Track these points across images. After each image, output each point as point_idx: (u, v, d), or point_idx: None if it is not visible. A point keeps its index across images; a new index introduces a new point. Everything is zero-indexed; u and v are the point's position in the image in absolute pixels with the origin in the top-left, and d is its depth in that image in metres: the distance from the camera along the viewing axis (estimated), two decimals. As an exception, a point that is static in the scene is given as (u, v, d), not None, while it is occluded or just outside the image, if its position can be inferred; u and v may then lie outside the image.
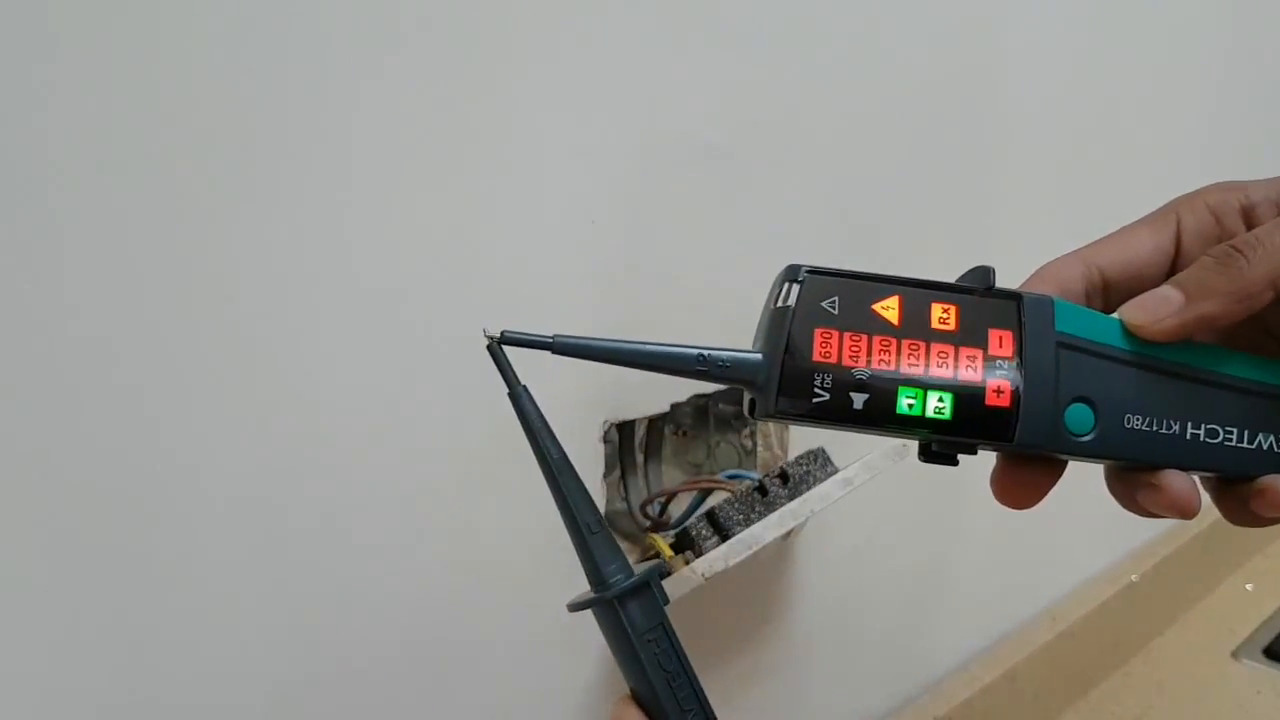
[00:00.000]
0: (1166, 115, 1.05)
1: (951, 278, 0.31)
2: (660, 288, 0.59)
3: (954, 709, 0.83)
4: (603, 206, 0.55)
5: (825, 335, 0.29)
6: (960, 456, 0.30)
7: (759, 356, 0.30)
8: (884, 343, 0.29)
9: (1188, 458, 0.30)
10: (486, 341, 0.31)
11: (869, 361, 0.29)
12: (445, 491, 0.51)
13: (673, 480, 0.68)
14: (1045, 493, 0.32)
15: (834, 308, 0.29)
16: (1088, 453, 0.30)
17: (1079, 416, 0.29)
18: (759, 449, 0.70)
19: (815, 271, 0.29)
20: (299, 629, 0.46)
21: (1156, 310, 0.30)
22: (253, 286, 0.43)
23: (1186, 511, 0.30)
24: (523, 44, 0.50)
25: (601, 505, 0.58)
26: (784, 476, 0.61)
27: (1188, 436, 0.30)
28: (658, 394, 0.60)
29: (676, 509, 0.63)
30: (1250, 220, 0.32)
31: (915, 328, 0.29)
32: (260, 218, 0.42)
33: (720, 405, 0.72)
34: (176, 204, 0.40)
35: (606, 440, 0.57)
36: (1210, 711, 0.98)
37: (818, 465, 0.62)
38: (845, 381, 0.28)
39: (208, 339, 0.42)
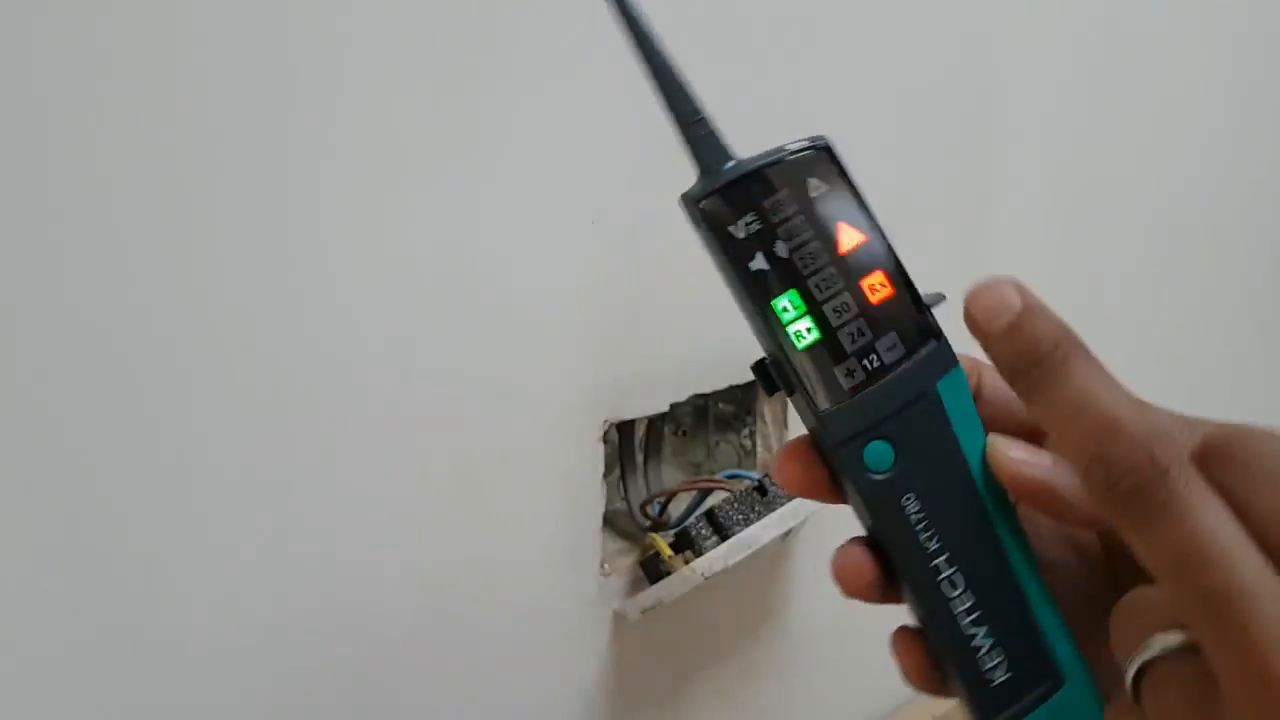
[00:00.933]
0: (1165, 123, 1.05)
1: (940, 284, 0.31)
2: (660, 288, 0.59)
3: (953, 708, 0.83)
4: (602, 207, 0.55)
5: (786, 199, 0.28)
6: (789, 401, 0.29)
7: (733, 161, 0.29)
8: (819, 250, 0.28)
9: (911, 574, 0.28)
10: None
11: (796, 251, 0.28)
12: (446, 491, 0.51)
13: (672, 480, 0.68)
14: (874, 580, 0.29)
15: (813, 190, 0.28)
16: (849, 476, 0.28)
17: (880, 452, 0.28)
18: (758, 449, 0.70)
19: (833, 157, 0.29)
20: (298, 630, 0.46)
21: (1022, 459, 0.27)
22: (253, 282, 0.43)
23: (842, 581, 0.28)
24: (523, 44, 0.50)
25: (601, 505, 0.58)
26: (783, 476, 0.61)
27: (931, 565, 0.28)
28: (657, 394, 0.60)
29: (676, 509, 0.63)
30: None
31: (851, 270, 0.28)
32: (259, 218, 0.42)
33: (720, 405, 0.72)
34: (164, 204, 0.40)
35: (606, 440, 0.57)
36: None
37: (817, 465, 0.62)
38: (765, 240, 0.28)
39: (209, 336, 0.42)
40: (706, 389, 0.63)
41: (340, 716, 0.49)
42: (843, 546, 0.29)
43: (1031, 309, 0.26)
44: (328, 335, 0.45)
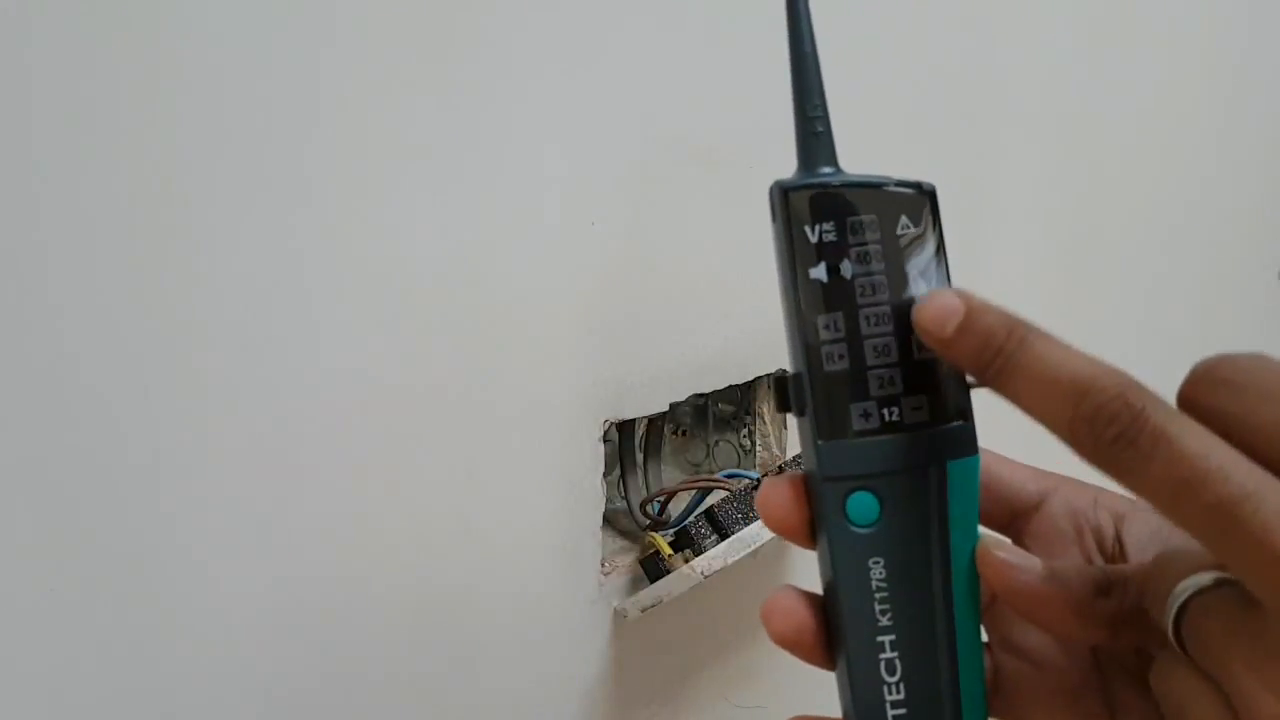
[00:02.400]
0: (1164, 125, 1.05)
1: None
2: (660, 288, 0.59)
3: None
4: (602, 208, 0.55)
5: (871, 224, 0.27)
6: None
7: (836, 169, 0.28)
8: (882, 285, 0.27)
9: (851, 643, 0.27)
10: None
11: (860, 277, 0.27)
12: (446, 490, 0.51)
13: (672, 479, 0.69)
14: (810, 631, 0.28)
15: (901, 228, 0.27)
16: (826, 517, 0.27)
17: (865, 504, 0.27)
18: (758, 448, 0.70)
19: (934, 206, 0.28)
20: (297, 629, 0.47)
21: (1014, 563, 0.26)
22: (254, 280, 0.43)
23: (772, 623, 0.28)
24: (522, 45, 0.50)
25: (601, 504, 0.58)
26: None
27: (875, 640, 0.27)
28: (657, 394, 0.60)
29: (676, 508, 0.63)
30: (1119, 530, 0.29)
31: (906, 319, 0.27)
32: (260, 219, 0.43)
33: (720, 405, 0.72)
34: (152, 213, 0.40)
35: (606, 440, 0.58)
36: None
37: (816, 464, 0.62)
38: (834, 253, 0.27)
39: (209, 335, 0.42)
40: (706, 389, 0.63)
41: (340, 716, 0.49)
42: (777, 590, 0.28)
43: (976, 307, 0.26)
44: (327, 335, 0.45)
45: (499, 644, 0.55)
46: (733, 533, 0.58)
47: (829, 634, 0.28)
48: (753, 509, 0.59)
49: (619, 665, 0.61)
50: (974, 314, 0.26)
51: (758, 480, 0.60)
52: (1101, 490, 0.30)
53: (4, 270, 0.37)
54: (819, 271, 0.27)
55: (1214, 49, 1.11)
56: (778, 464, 0.63)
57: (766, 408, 0.70)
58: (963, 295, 0.26)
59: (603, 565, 0.59)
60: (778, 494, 0.28)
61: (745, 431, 0.71)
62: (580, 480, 0.57)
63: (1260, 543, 0.21)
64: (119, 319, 0.39)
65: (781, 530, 0.28)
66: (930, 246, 0.27)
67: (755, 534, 0.58)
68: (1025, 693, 0.29)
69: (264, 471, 0.44)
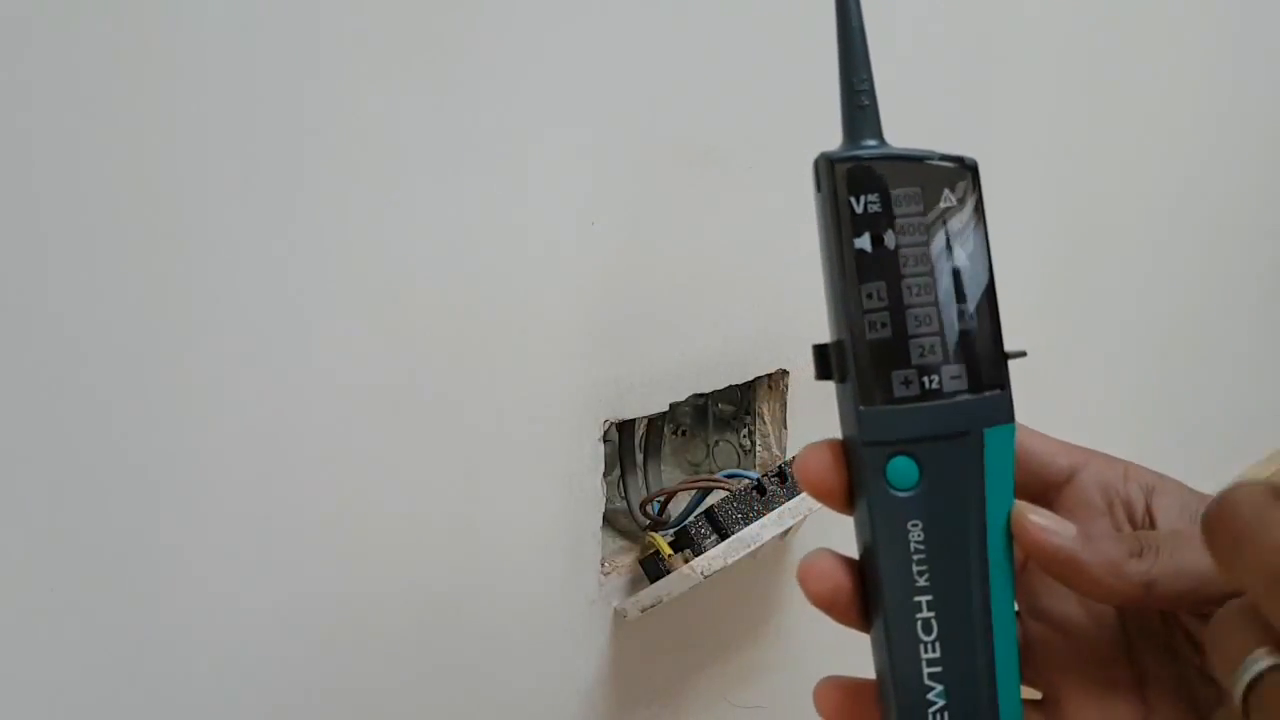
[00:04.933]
0: (1165, 124, 1.05)
1: None
2: (660, 288, 0.59)
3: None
4: (602, 208, 0.55)
5: (915, 196, 0.27)
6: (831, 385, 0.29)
7: (880, 141, 0.28)
8: (924, 256, 0.27)
9: (888, 604, 0.27)
10: None
11: (904, 248, 0.27)
12: (446, 490, 0.51)
13: (672, 479, 0.69)
14: (848, 592, 0.29)
15: (944, 201, 0.28)
16: (866, 482, 0.28)
17: (905, 469, 0.27)
18: (757, 448, 0.70)
19: (976, 180, 0.28)
20: (298, 629, 0.47)
21: (1048, 526, 0.27)
22: (253, 285, 0.43)
23: (809, 583, 0.28)
24: (524, 45, 0.50)
25: (601, 504, 0.58)
26: (782, 475, 0.61)
27: (912, 601, 0.27)
28: (657, 394, 0.60)
29: (675, 508, 0.63)
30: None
31: (948, 289, 0.27)
32: (258, 219, 0.43)
33: (719, 405, 0.72)
34: (151, 212, 0.40)
35: (606, 440, 0.58)
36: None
37: (816, 464, 0.62)
38: (879, 224, 0.27)
39: (210, 340, 0.42)
40: (706, 389, 0.63)
41: (340, 715, 0.49)
42: (813, 553, 0.29)
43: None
44: (327, 337, 0.45)
45: (499, 644, 0.55)
46: (732, 533, 0.58)
47: (865, 596, 0.29)
48: (753, 509, 0.59)
49: (619, 665, 0.61)
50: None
51: (758, 480, 0.60)
52: (1131, 464, 0.30)
53: (5, 277, 0.37)
54: (863, 241, 0.27)
55: (1215, 37, 1.11)
56: (778, 464, 0.63)
57: (766, 408, 0.70)
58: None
59: (603, 565, 0.59)
60: (817, 458, 0.29)
61: (745, 431, 0.71)
62: (580, 480, 0.57)
63: None
64: (119, 323, 0.39)
65: (820, 494, 0.29)
66: (973, 220, 0.28)
67: (755, 534, 0.58)
68: (1054, 660, 0.29)
69: (264, 474, 0.44)
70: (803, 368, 0.69)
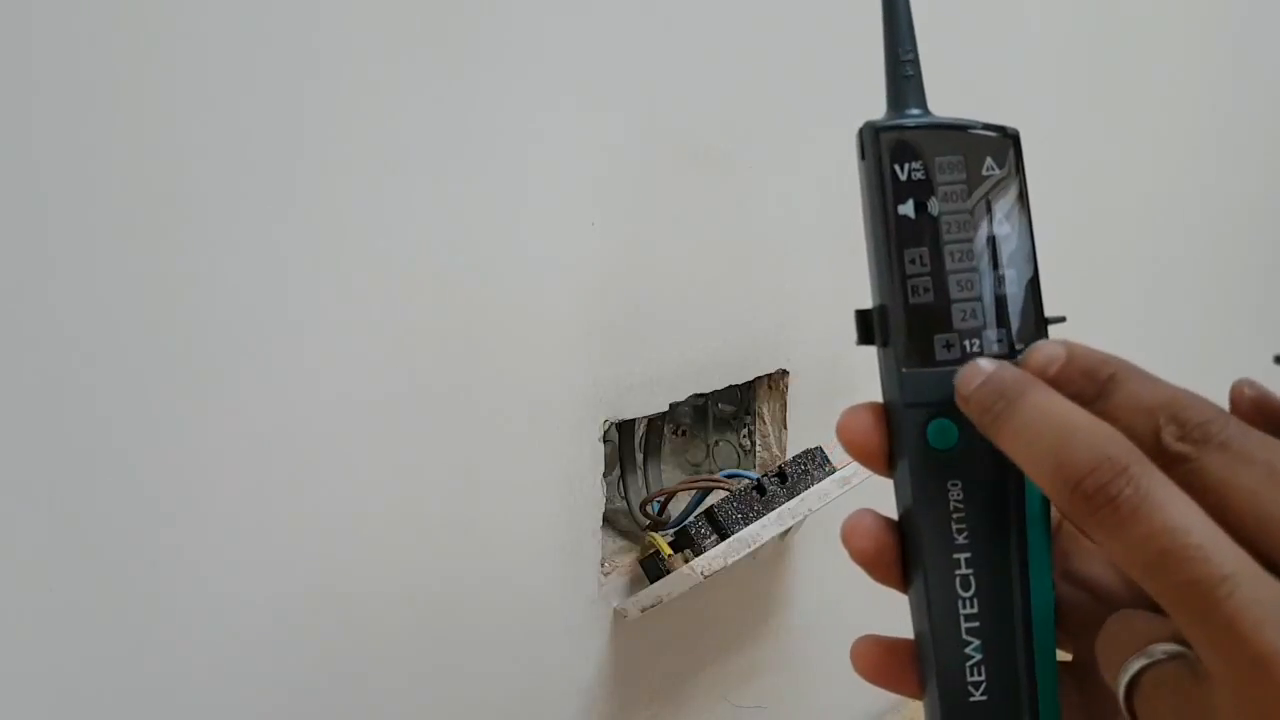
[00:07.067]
0: (1164, 124, 1.05)
1: None
2: (660, 288, 0.59)
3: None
4: (602, 208, 0.55)
5: (958, 164, 0.28)
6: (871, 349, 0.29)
7: (924, 110, 0.29)
8: (967, 223, 0.28)
9: (928, 562, 0.28)
10: None
11: (946, 215, 0.28)
12: (446, 490, 0.51)
13: (672, 479, 0.69)
14: (888, 549, 0.29)
15: (986, 170, 0.28)
16: (907, 441, 0.28)
17: (945, 429, 0.28)
18: (757, 448, 0.70)
19: (1018, 150, 0.29)
20: (298, 628, 0.47)
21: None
22: (254, 284, 0.43)
23: (852, 540, 0.29)
24: (524, 45, 0.50)
25: (601, 504, 0.58)
26: (782, 475, 0.61)
27: (951, 558, 0.28)
28: (657, 393, 0.60)
29: (675, 508, 0.63)
30: None
31: (989, 256, 0.28)
32: (258, 221, 0.43)
33: (719, 405, 0.72)
34: (149, 209, 0.40)
35: (606, 440, 0.58)
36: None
37: (815, 464, 0.63)
38: (922, 191, 0.28)
39: (209, 334, 0.42)
40: (706, 389, 0.63)
41: (340, 715, 0.49)
42: (855, 512, 0.29)
43: (999, 370, 0.27)
44: (327, 337, 0.45)
45: (499, 644, 0.55)
46: (732, 533, 0.58)
47: (904, 555, 0.29)
48: (753, 509, 0.59)
49: (619, 665, 0.61)
50: (996, 372, 0.27)
51: (758, 480, 0.60)
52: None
53: (5, 277, 0.37)
54: (907, 208, 0.28)
55: (1215, 36, 1.11)
56: (778, 464, 0.63)
57: (766, 408, 0.70)
58: (996, 364, 0.27)
59: (603, 565, 0.59)
60: (859, 419, 0.29)
61: (745, 431, 0.71)
62: (580, 480, 0.57)
63: (1229, 627, 0.21)
64: (119, 323, 0.39)
65: (860, 455, 0.29)
66: (1014, 188, 0.29)
67: (755, 534, 0.58)
68: (1085, 622, 0.30)
69: (264, 473, 0.44)
70: (803, 368, 0.69)
